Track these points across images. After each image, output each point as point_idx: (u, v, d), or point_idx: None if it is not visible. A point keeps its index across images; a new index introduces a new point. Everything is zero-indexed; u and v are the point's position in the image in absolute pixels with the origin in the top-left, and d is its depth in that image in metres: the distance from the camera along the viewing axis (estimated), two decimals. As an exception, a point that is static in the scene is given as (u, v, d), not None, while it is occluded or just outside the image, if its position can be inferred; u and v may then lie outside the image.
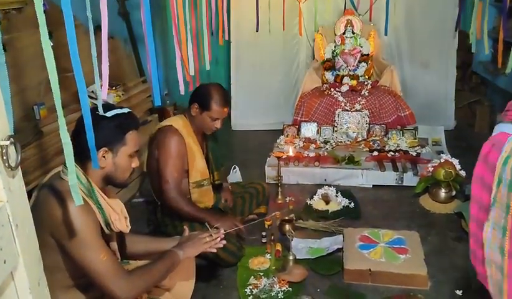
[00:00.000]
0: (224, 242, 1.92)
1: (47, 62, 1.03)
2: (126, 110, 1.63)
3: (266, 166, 3.57)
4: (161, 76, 4.95)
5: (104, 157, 1.57)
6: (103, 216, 1.54)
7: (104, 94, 1.54)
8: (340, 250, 2.52)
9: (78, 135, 1.47)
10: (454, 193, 3.02)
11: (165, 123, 2.54)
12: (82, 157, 1.48)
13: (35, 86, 3.09)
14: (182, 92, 2.54)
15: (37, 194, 1.55)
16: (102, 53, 1.41)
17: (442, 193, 3.03)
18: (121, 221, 1.61)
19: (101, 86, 1.45)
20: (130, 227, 1.68)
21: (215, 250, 1.90)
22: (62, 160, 1.28)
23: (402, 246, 2.46)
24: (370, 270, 2.30)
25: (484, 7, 3.45)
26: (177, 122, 2.51)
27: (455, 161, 3.03)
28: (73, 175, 1.19)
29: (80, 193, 1.47)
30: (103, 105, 1.53)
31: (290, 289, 2.25)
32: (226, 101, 2.52)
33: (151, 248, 1.88)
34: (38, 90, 3.11)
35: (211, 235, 1.89)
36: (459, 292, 2.22)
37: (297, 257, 2.45)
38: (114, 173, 1.61)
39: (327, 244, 2.61)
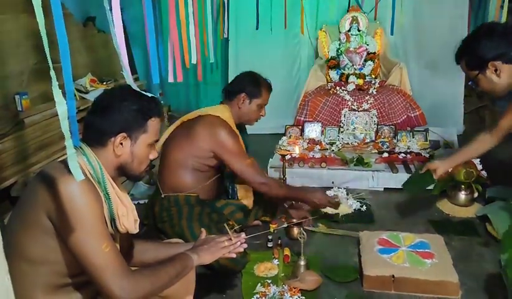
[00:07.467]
0: (245, 245, 1.65)
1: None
2: (149, 94, 1.43)
3: (268, 167, 3.30)
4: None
5: (121, 144, 1.35)
6: (109, 208, 1.32)
7: (128, 75, 1.41)
8: None
9: (92, 117, 1.36)
10: (476, 195, 2.77)
11: (210, 111, 2.37)
12: (96, 140, 1.35)
13: (17, 75, 2.83)
14: (171, 80, 2.40)
15: (43, 171, 1.33)
16: (118, 42, 1.39)
17: (462, 195, 2.77)
18: (129, 218, 1.38)
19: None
20: (138, 230, 1.44)
21: (234, 255, 1.62)
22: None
23: (427, 250, 2.19)
24: (393, 276, 2.03)
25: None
26: (224, 113, 2.37)
27: (476, 161, 2.79)
28: (69, 141, 0.99)
29: (89, 176, 1.27)
30: (125, 86, 1.41)
31: (303, 298, 1.98)
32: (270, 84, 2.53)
33: (162, 256, 1.58)
34: (21, 80, 2.85)
35: (230, 239, 1.62)
36: (494, 301, 1.96)
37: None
38: (130, 163, 1.39)
39: None
